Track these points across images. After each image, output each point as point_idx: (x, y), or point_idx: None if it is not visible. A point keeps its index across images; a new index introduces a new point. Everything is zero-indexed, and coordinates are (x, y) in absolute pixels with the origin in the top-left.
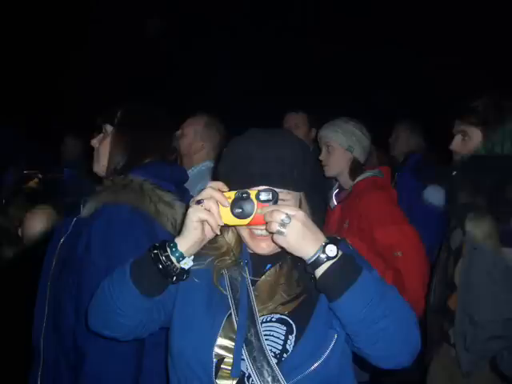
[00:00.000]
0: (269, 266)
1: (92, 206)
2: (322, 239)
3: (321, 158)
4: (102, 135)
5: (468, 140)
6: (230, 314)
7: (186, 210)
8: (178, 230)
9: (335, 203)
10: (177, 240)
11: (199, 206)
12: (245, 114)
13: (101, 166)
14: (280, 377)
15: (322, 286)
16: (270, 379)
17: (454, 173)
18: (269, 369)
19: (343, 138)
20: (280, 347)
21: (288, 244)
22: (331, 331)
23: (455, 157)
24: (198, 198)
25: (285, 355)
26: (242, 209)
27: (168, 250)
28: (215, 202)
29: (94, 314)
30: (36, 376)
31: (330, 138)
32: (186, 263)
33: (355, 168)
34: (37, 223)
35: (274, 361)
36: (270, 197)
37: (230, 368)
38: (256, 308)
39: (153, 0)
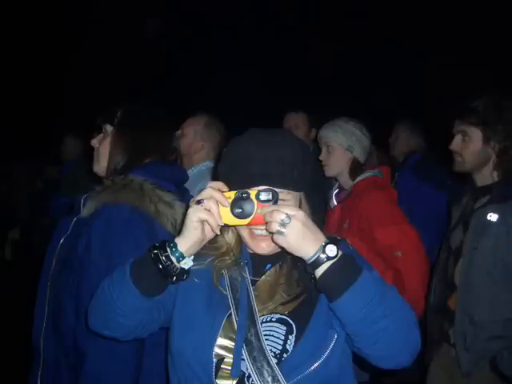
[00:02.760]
0: (269, 266)
1: (92, 205)
2: (322, 239)
3: (321, 158)
4: (101, 135)
5: (468, 140)
6: (230, 314)
7: (186, 210)
8: (178, 230)
9: (335, 203)
10: (177, 240)
11: (199, 206)
12: (245, 113)
13: (101, 166)
14: (280, 377)
15: (321, 286)
16: (269, 379)
17: None
18: (269, 369)
19: (343, 138)
20: (280, 347)
21: (288, 244)
22: (331, 331)
23: (455, 157)
24: (198, 197)
25: (285, 355)
26: (242, 209)
27: (168, 250)
28: (215, 202)
29: (93, 314)
30: (36, 376)
31: (329, 138)
32: (186, 263)
33: (355, 168)
34: None
35: (274, 361)
36: (270, 197)
37: (230, 368)
38: (256, 308)
39: (153, 0)
